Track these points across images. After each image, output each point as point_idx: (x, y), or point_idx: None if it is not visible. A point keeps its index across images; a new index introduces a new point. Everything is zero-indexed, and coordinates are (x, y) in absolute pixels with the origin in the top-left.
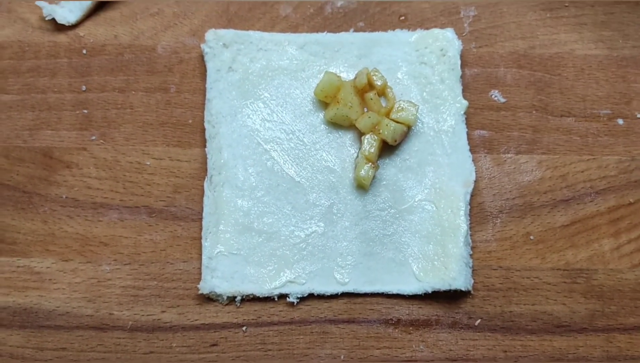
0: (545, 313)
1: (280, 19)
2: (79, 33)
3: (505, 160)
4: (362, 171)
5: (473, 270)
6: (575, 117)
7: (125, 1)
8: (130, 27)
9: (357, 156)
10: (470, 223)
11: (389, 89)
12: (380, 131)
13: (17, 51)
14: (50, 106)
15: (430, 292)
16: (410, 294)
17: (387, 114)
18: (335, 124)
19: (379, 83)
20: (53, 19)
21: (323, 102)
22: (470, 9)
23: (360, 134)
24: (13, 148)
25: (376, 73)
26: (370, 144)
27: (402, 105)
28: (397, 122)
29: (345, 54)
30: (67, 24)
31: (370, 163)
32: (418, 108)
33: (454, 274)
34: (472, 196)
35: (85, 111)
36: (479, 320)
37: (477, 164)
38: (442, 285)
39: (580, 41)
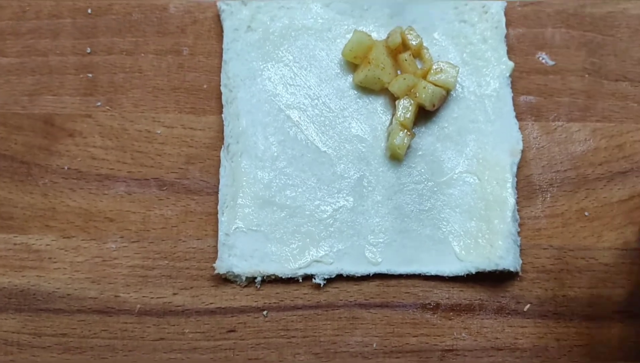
0: (602, 297)
1: None
2: None
3: (555, 128)
4: (397, 139)
5: (521, 250)
6: (631, 81)
7: None
8: None
9: (391, 123)
10: (517, 198)
11: (425, 50)
12: (417, 94)
13: (16, 10)
14: (51, 70)
15: (473, 273)
16: (451, 275)
17: (424, 77)
18: (366, 89)
19: (414, 43)
20: None
21: (352, 64)
22: None
23: (394, 99)
24: (11, 114)
25: (411, 32)
26: (405, 109)
27: (440, 66)
28: (436, 85)
29: (376, 13)
30: None
31: (405, 130)
32: (458, 70)
33: (500, 252)
34: (518, 168)
35: (90, 75)
36: (528, 305)
37: (523, 133)
38: (488, 265)
39: (634, 0)
